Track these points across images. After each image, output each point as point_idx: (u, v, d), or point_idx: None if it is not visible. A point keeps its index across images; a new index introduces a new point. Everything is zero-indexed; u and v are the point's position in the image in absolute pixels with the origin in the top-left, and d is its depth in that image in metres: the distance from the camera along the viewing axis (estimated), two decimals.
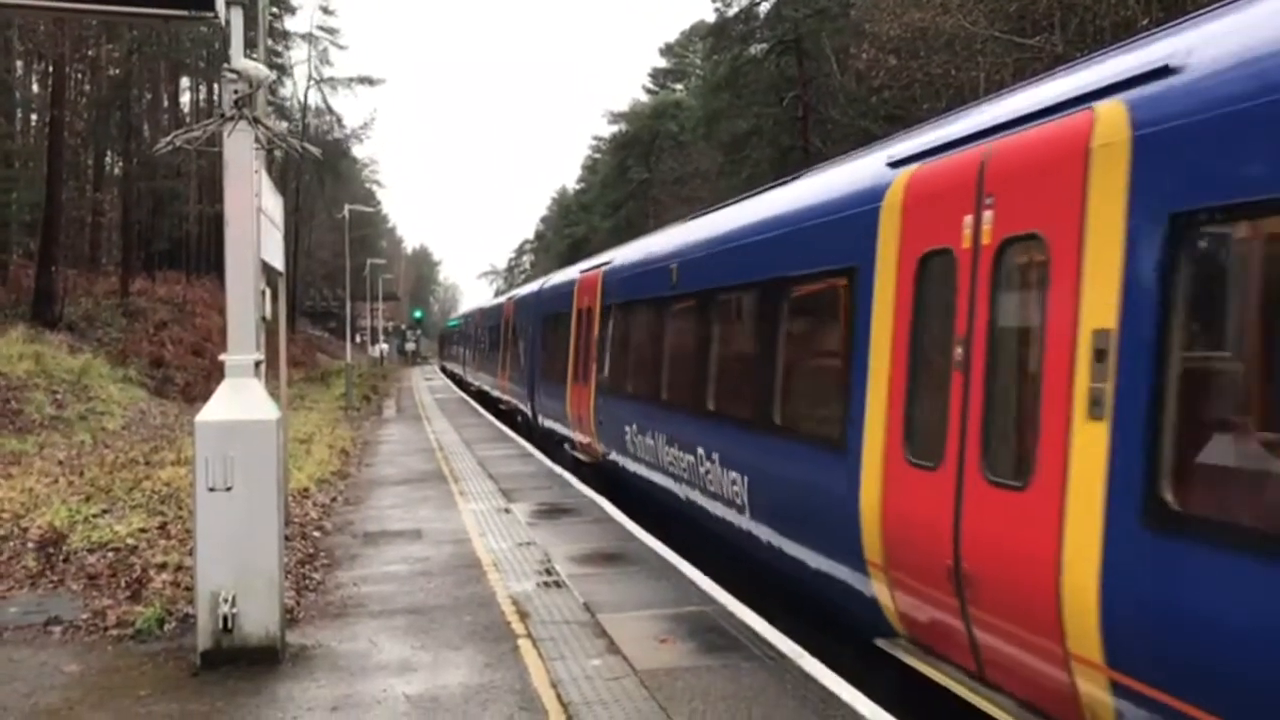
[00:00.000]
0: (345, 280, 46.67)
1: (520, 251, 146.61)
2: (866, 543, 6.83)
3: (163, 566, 9.75)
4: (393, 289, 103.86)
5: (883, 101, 32.64)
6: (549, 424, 20.94)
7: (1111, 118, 4.87)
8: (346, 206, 44.93)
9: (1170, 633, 4.25)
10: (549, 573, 9.95)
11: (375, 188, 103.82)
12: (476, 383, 40.72)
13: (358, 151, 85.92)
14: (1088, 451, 4.76)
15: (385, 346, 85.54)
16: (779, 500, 8.59)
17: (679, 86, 78.02)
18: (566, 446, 18.85)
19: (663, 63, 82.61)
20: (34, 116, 44.32)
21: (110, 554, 10.34)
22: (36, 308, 31.18)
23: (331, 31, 67.98)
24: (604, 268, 16.84)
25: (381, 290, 79.43)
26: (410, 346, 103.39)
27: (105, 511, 12.55)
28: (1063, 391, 4.96)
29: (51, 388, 24.16)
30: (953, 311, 6.02)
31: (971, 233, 5.91)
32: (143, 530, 11.32)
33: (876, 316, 6.94)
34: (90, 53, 40.03)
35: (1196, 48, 4.66)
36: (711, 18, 51.78)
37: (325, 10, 67.37)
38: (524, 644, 7.61)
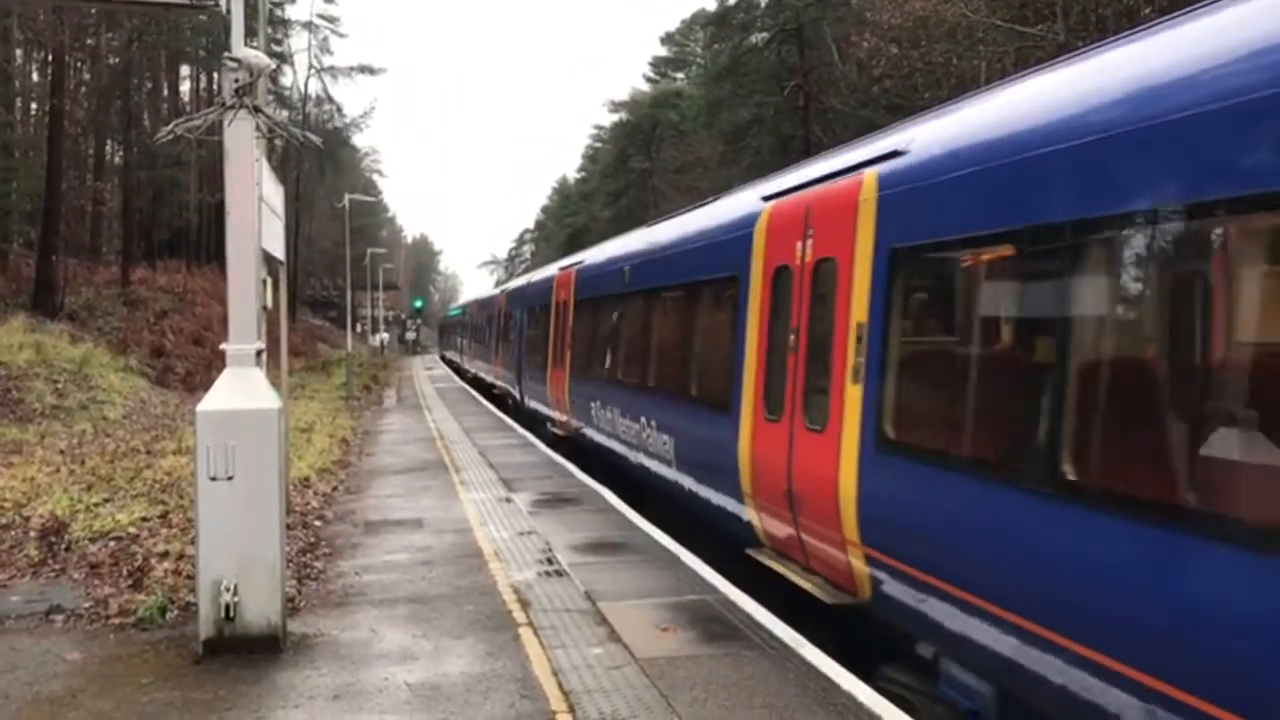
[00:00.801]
0: (346, 269, 46.62)
1: (521, 241, 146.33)
2: (743, 479, 9.18)
3: (164, 555, 9.76)
4: (393, 278, 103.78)
5: (884, 91, 32.52)
6: (533, 405, 23.11)
7: (870, 181, 7.25)
8: (347, 196, 44.82)
9: (888, 515, 6.67)
10: (550, 562, 9.97)
11: (376, 177, 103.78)
12: (472, 369, 43.38)
13: (358, 140, 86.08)
14: (852, 403, 7.13)
15: (386, 336, 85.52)
16: (693, 454, 10.89)
17: (680, 75, 77.81)
18: (548, 425, 20.99)
19: (663, 51, 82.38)
20: (34, 105, 44.23)
21: (112, 543, 10.37)
22: (37, 297, 31.17)
23: (332, 20, 67.80)
24: (576, 266, 19.30)
25: (382, 279, 79.41)
26: (411, 336, 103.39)
27: (107, 500, 12.57)
28: (842, 364, 7.34)
29: (52, 377, 24.18)
30: (789, 310, 8.50)
31: (800, 254, 8.35)
32: (144, 519, 11.35)
33: (750, 312, 9.33)
34: (90, 41, 39.94)
35: (915, 139, 7.02)
36: (712, 6, 51.72)
37: None
38: (525, 633, 7.63)
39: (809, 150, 36.04)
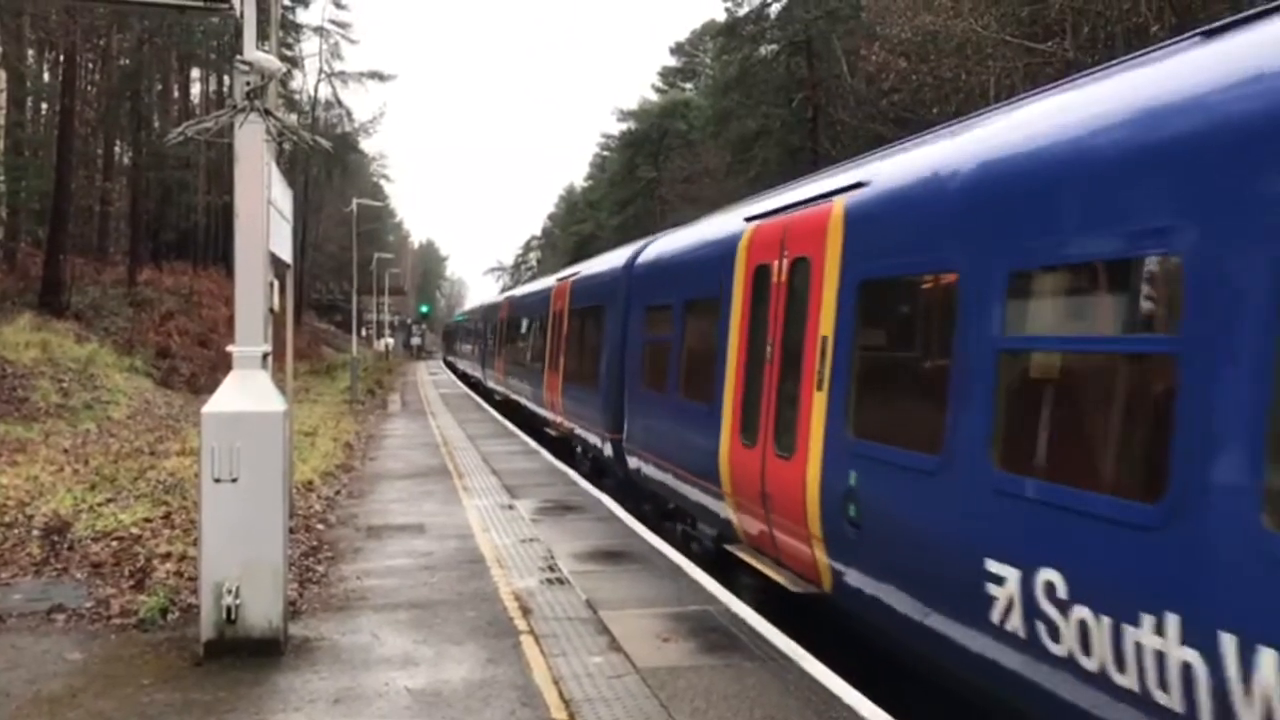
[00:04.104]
0: (352, 274, 46.65)
1: (527, 248, 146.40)
2: (544, 398, 21.83)
3: (167, 556, 9.78)
4: (399, 283, 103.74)
5: (892, 104, 32.53)
6: (490, 385, 36.69)
7: (565, 285, 21.18)
8: (355, 200, 44.97)
9: (569, 402, 19.03)
10: (552, 569, 9.96)
11: (383, 182, 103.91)
12: (461, 366, 57.34)
13: (367, 145, 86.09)
14: (559, 363, 20.19)
15: (391, 341, 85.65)
16: (534, 393, 23.37)
17: (689, 86, 77.85)
18: (494, 395, 34.86)
19: (673, 61, 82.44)
20: (44, 105, 44.31)
21: (114, 543, 10.38)
22: (44, 296, 31.20)
23: (343, 26, 67.78)
24: (508, 297, 34.71)
25: (388, 284, 79.42)
26: (416, 341, 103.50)
27: (110, 500, 12.59)
28: (563, 349, 19.93)
29: (58, 376, 24.19)
30: (557, 330, 21.01)
31: (557, 308, 21.24)
32: (147, 520, 11.37)
33: (549, 328, 21.89)
34: (101, 42, 40.00)
35: (580, 270, 21.03)
36: (722, 17, 51.78)
37: (337, 4, 67.24)
38: (526, 640, 7.62)
39: (817, 162, 36.04)
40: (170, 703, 6.33)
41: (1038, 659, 4.95)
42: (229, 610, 7.05)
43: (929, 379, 6.53)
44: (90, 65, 42.47)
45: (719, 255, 10.27)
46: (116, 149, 47.16)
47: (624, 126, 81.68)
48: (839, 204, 7.76)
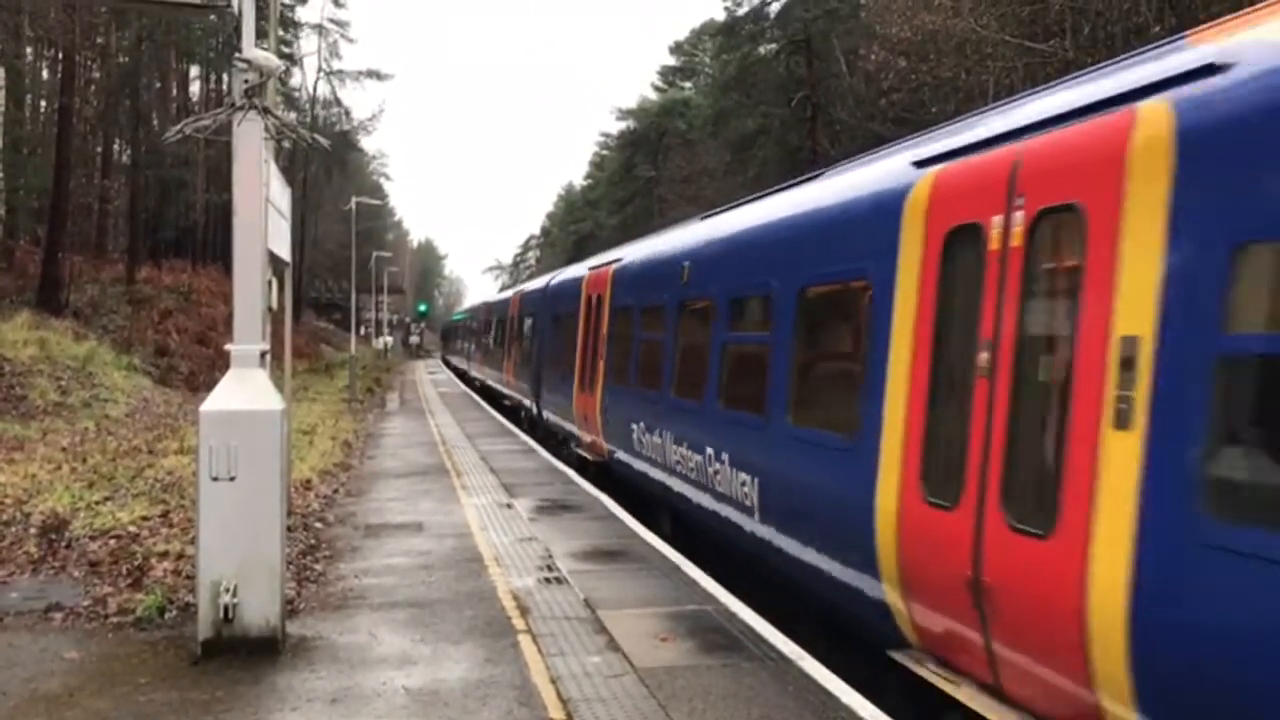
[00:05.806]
0: (351, 272, 46.62)
1: (526, 247, 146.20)
2: (504, 382, 29.90)
3: (164, 555, 9.76)
4: (398, 282, 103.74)
5: (891, 104, 32.51)
6: (474, 374, 43.09)
7: (517, 297, 30.21)
8: (353, 199, 44.88)
9: (534, 385, 23.65)
10: (550, 568, 9.95)
11: (383, 180, 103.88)
12: (453, 361, 64.60)
13: (366, 144, 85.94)
14: (516, 358, 27.22)
15: (389, 339, 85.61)
16: (500, 378, 30.94)
17: (688, 85, 77.72)
18: (475, 381, 42.36)
19: (672, 60, 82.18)
20: (43, 103, 44.27)
21: (112, 541, 10.37)
22: (42, 294, 31.17)
23: (342, 24, 67.81)
24: (485, 302, 44.43)
25: (387, 283, 79.40)
26: (414, 340, 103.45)
27: (108, 499, 12.57)
28: (515, 347, 27.72)
29: (56, 374, 24.18)
30: (509, 334, 29.49)
31: (511, 314, 29.77)
32: (145, 518, 11.35)
33: (506, 329, 30.07)
34: (100, 40, 39.93)
35: (551, 277, 25.97)
36: (721, 16, 51.78)
37: (336, 2, 67.26)
38: (524, 639, 7.61)
39: (815, 161, 36.04)
40: (167, 702, 6.32)
41: (648, 464, 12.27)
42: (226, 609, 7.04)
43: (623, 351, 13.87)
44: (89, 63, 42.32)
45: (577, 287, 18.18)
46: (115, 147, 47.13)
47: (623, 125, 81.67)
48: (613, 266, 15.50)
